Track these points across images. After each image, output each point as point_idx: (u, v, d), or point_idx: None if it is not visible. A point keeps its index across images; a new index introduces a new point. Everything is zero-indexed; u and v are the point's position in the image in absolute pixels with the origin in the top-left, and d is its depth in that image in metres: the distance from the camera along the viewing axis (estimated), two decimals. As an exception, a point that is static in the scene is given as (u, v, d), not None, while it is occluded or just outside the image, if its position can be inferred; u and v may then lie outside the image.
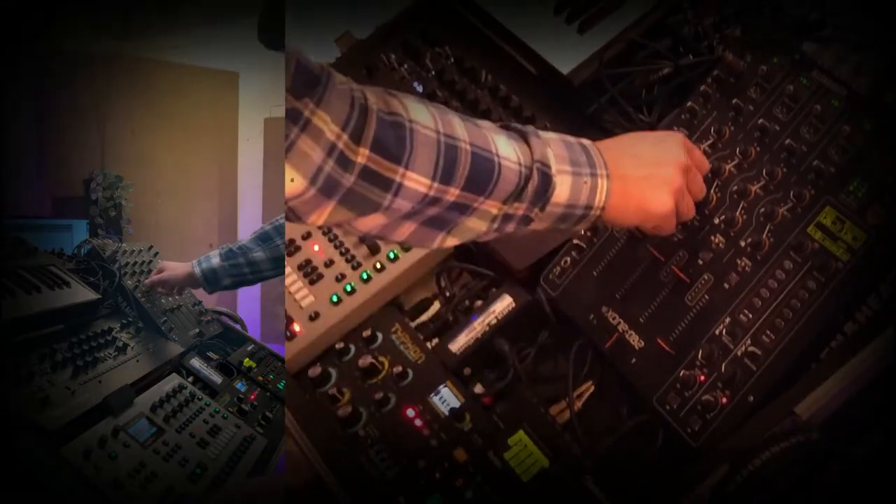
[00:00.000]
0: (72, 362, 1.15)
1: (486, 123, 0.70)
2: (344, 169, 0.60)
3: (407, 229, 0.68)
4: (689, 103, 0.92)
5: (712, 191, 0.87)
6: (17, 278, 1.29)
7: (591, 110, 1.05)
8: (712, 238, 0.85)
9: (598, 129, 1.04)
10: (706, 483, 0.67)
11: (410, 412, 0.91)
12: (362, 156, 0.60)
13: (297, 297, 1.05)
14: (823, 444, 0.65)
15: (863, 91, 0.83)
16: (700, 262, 0.85)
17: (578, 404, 0.89)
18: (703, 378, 0.80)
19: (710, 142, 0.89)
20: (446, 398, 0.91)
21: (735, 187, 0.86)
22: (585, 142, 0.74)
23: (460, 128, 0.66)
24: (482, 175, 0.66)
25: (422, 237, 0.69)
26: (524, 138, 0.70)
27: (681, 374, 0.81)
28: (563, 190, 0.70)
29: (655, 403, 0.82)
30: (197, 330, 1.67)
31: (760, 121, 0.87)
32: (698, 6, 1.05)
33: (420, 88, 1.14)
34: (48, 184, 3.29)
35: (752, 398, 0.77)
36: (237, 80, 4.00)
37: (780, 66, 0.88)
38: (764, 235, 0.82)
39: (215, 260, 1.62)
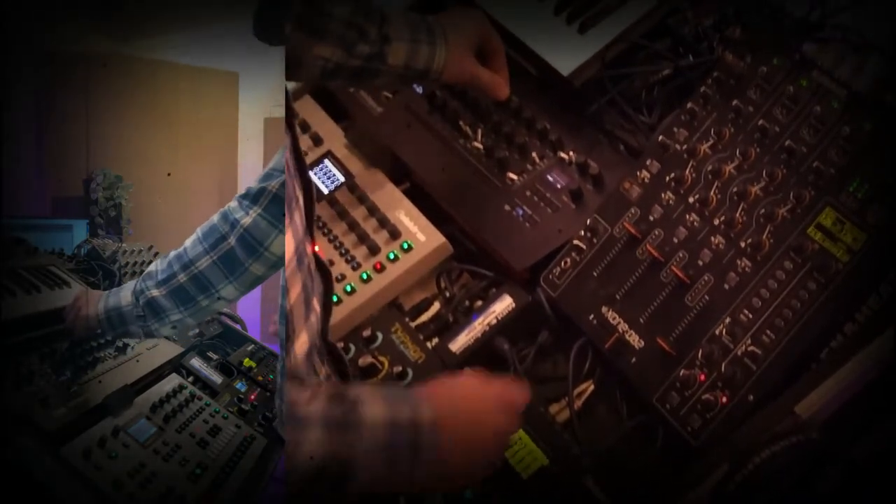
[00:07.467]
0: (72, 362, 1.14)
1: (309, 415, 0.63)
2: None
3: None
4: (689, 104, 0.92)
5: (712, 192, 0.87)
6: (17, 278, 1.29)
7: (591, 111, 1.05)
8: (712, 239, 0.85)
9: (598, 129, 1.04)
10: (706, 482, 0.68)
11: (411, 412, 0.90)
12: None
13: (298, 297, 1.05)
14: (823, 444, 0.65)
15: (863, 92, 0.84)
16: (700, 262, 0.85)
17: (578, 403, 0.89)
18: (703, 377, 0.80)
19: (710, 143, 0.90)
20: (446, 398, 0.91)
21: (735, 188, 0.86)
22: (423, 417, 0.67)
23: None
24: None
25: None
26: (343, 427, 0.64)
27: (681, 373, 0.81)
28: (366, 478, 0.65)
29: (655, 402, 0.82)
30: (197, 330, 1.67)
31: (760, 122, 0.87)
32: (698, 7, 1.05)
33: (420, 90, 1.14)
34: (48, 184, 3.29)
35: (752, 397, 0.77)
36: (237, 80, 3.99)
37: (780, 67, 0.89)
38: (764, 236, 0.83)
39: None
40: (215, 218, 1.07)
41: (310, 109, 1.22)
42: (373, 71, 0.92)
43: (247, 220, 1.03)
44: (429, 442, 0.66)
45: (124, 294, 1.14)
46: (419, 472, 0.66)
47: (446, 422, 0.68)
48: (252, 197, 1.05)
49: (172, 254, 1.10)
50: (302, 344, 0.72)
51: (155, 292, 1.09)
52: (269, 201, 1.03)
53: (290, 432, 0.62)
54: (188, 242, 1.09)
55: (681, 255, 0.86)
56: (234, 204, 1.05)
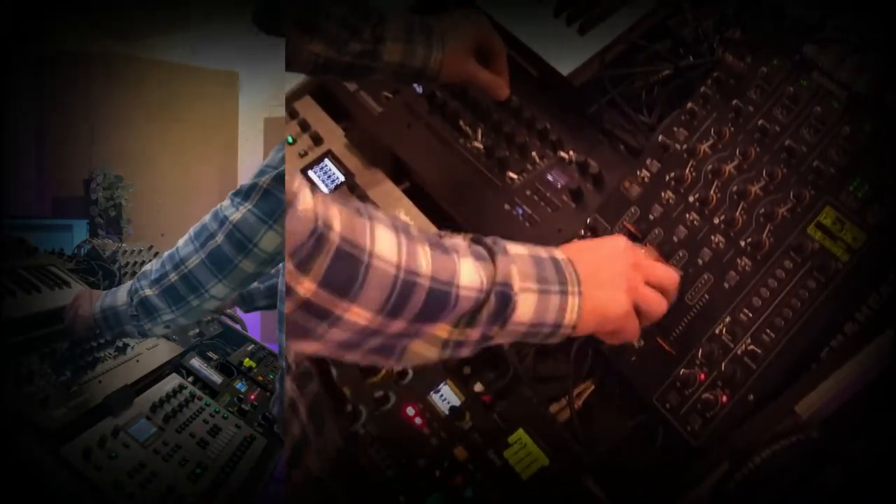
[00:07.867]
0: (72, 362, 1.15)
1: (456, 244, 0.65)
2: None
3: (350, 356, 0.64)
4: (689, 105, 0.92)
5: (712, 191, 0.87)
6: (17, 278, 1.29)
7: (591, 111, 1.05)
8: (712, 238, 0.85)
9: (598, 130, 1.05)
10: (706, 481, 0.68)
11: (410, 411, 0.91)
12: (306, 289, 0.57)
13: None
14: (823, 443, 0.65)
15: (863, 92, 0.84)
16: (700, 261, 0.85)
17: (578, 403, 0.89)
18: (703, 377, 0.80)
19: (710, 143, 0.90)
20: (446, 397, 0.91)
21: (735, 188, 0.86)
22: (559, 255, 0.70)
23: (425, 260, 0.62)
24: (435, 306, 0.62)
25: (369, 363, 0.67)
26: (491, 257, 0.66)
27: (681, 372, 0.81)
28: (525, 309, 0.66)
29: (655, 402, 0.82)
30: (197, 330, 1.67)
31: (760, 122, 0.87)
32: (698, 8, 1.05)
33: (420, 90, 1.14)
34: (48, 184, 3.29)
35: (752, 397, 0.77)
36: (237, 80, 4.00)
37: (780, 67, 0.89)
38: (764, 235, 0.83)
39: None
40: (207, 216, 1.07)
41: (310, 109, 1.22)
42: (365, 67, 0.93)
43: (236, 216, 1.03)
44: (571, 275, 0.69)
45: (120, 294, 1.15)
46: (573, 302, 0.68)
47: (580, 262, 0.71)
48: (244, 193, 1.05)
49: (166, 253, 1.11)
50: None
51: (148, 292, 1.10)
52: (260, 197, 1.02)
53: (440, 263, 0.62)
54: (181, 241, 1.10)
55: (681, 254, 0.86)
56: (226, 202, 1.06)
